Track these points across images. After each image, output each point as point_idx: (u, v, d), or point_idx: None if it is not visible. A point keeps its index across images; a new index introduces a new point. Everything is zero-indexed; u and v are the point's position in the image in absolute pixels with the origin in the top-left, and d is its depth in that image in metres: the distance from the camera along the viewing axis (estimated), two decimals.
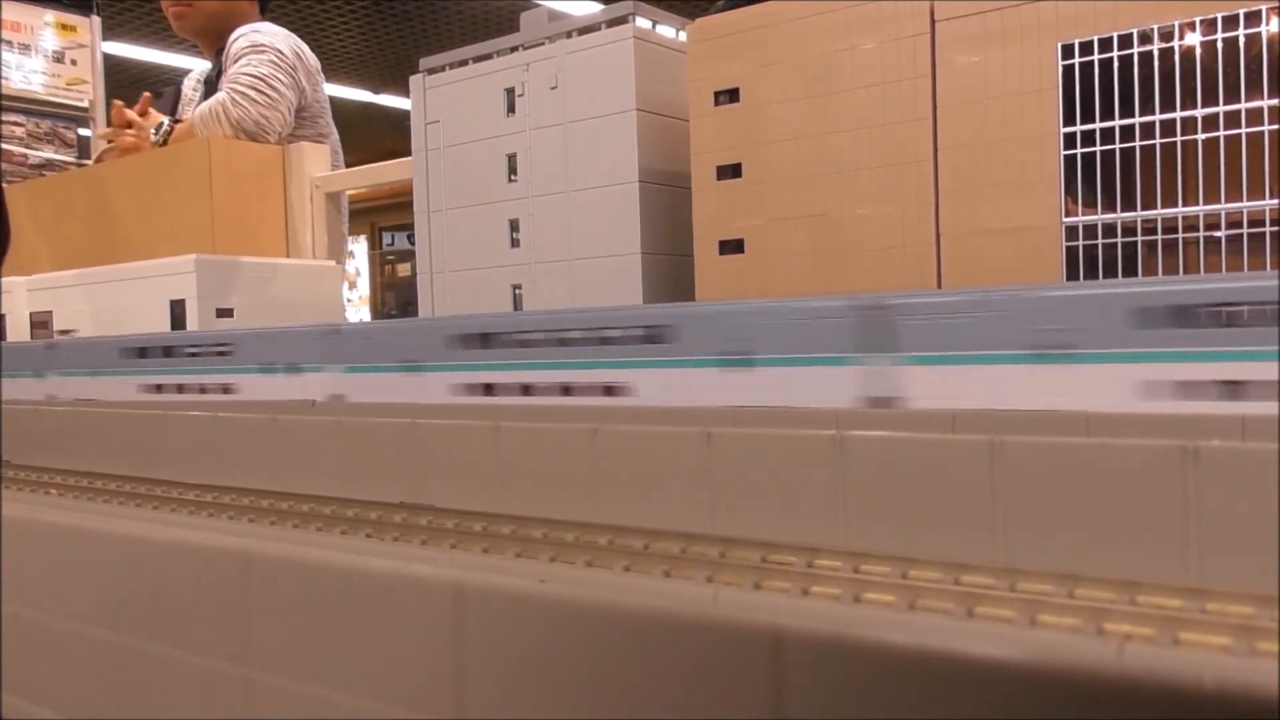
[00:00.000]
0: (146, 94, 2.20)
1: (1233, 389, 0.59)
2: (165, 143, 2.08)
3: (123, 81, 6.46)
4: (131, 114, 2.14)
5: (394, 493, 0.69)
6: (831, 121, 1.18)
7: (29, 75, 3.01)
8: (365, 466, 0.73)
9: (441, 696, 0.35)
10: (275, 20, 2.25)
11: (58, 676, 0.50)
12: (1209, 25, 0.95)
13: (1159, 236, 0.97)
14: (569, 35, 1.45)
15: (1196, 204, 0.96)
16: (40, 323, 1.80)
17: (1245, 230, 0.94)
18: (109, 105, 2.80)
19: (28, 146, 2.99)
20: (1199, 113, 0.95)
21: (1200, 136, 0.95)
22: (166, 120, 2.12)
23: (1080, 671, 0.24)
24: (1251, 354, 0.59)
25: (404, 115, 1.87)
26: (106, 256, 1.91)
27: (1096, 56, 1.00)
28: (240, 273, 1.65)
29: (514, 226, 1.50)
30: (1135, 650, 0.28)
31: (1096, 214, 1.01)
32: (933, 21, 1.12)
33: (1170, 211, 0.97)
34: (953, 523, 0.49)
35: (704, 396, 0.78)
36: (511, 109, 1.50)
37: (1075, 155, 1.01)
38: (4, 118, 2.92)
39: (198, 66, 2.46)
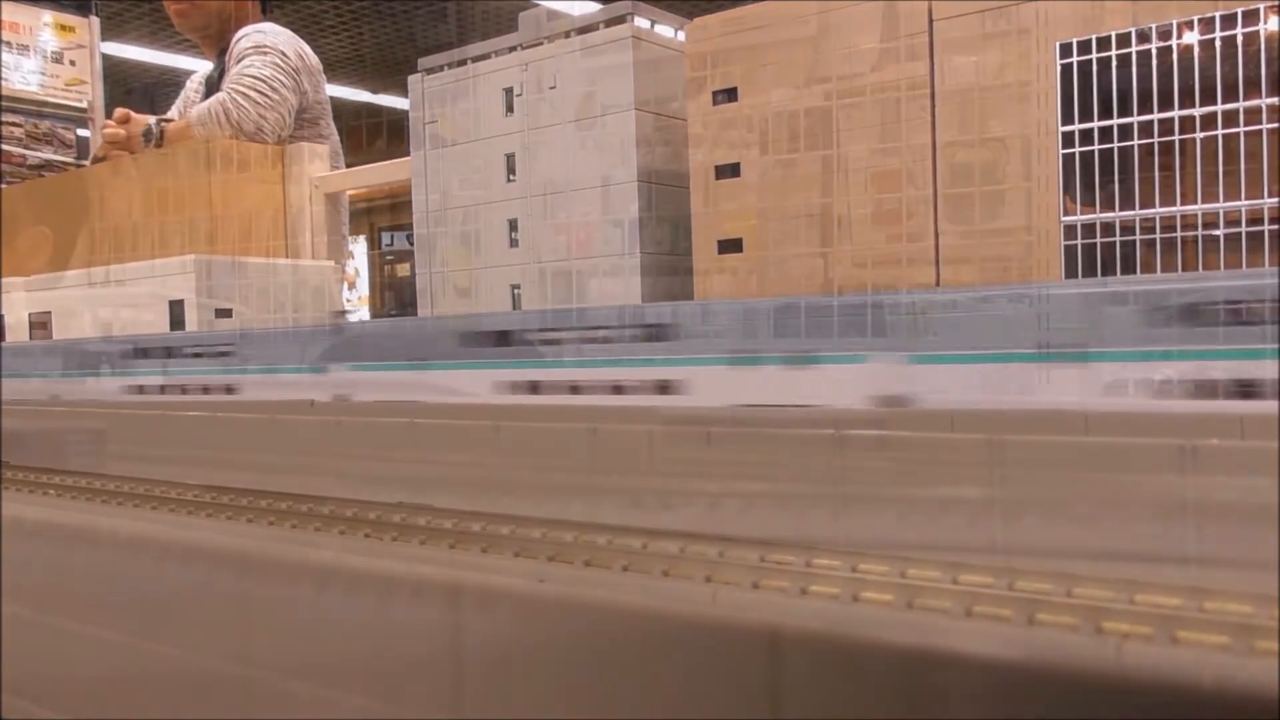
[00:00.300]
0: (124, 109, 2.18)
1: None
2: (160, 144, 2.08)
3: (128, 82, 6.45)
4: (120, 130, 2.12)
5: (393, 492, 0.69)
6: (830, 121, 1.18)
7: (27, 76, 3.00)
8: (364, 466, 0.73)
9: (440, 696, 0.35)
10: (274, 19, 2.26)
11: (58, 676, 0.50)
12: (1207, 24, 0.95)
13: (1157, 235, 0.98)
14: (567, 35, 1.45)
15: (1195, 203, 0.96)
16: (39, 323, 1.80)
17: (1244, 229, 0.94)
18: (108, 106, 2.79)
19: (26, 147, 2.99)
20: (1197, 112, 0.95)
21: (1199, 135, 0.95)
22: (153, 121, 2.12)
23: (1079, 670, 0.24)
24: None
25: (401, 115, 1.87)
26: (106, 256, 1.91)
27: (1095, 56, 1.00)
28: (240, 273, 1.65)
29: (513, 226, 1.50)
30: (1134, 649, 0.28)
31: (1095, 213, 1.01)
32: (931, 21, 1.12)
33: (1168, 210, 0.97)
34: (951, 521, 0.49)
35: None
36: (510, 109, 1.50)
37: (1074, 154, 1.01)
38: (3, 118, 2.92)
39: (202, 67, 2.46)
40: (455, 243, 1.57)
